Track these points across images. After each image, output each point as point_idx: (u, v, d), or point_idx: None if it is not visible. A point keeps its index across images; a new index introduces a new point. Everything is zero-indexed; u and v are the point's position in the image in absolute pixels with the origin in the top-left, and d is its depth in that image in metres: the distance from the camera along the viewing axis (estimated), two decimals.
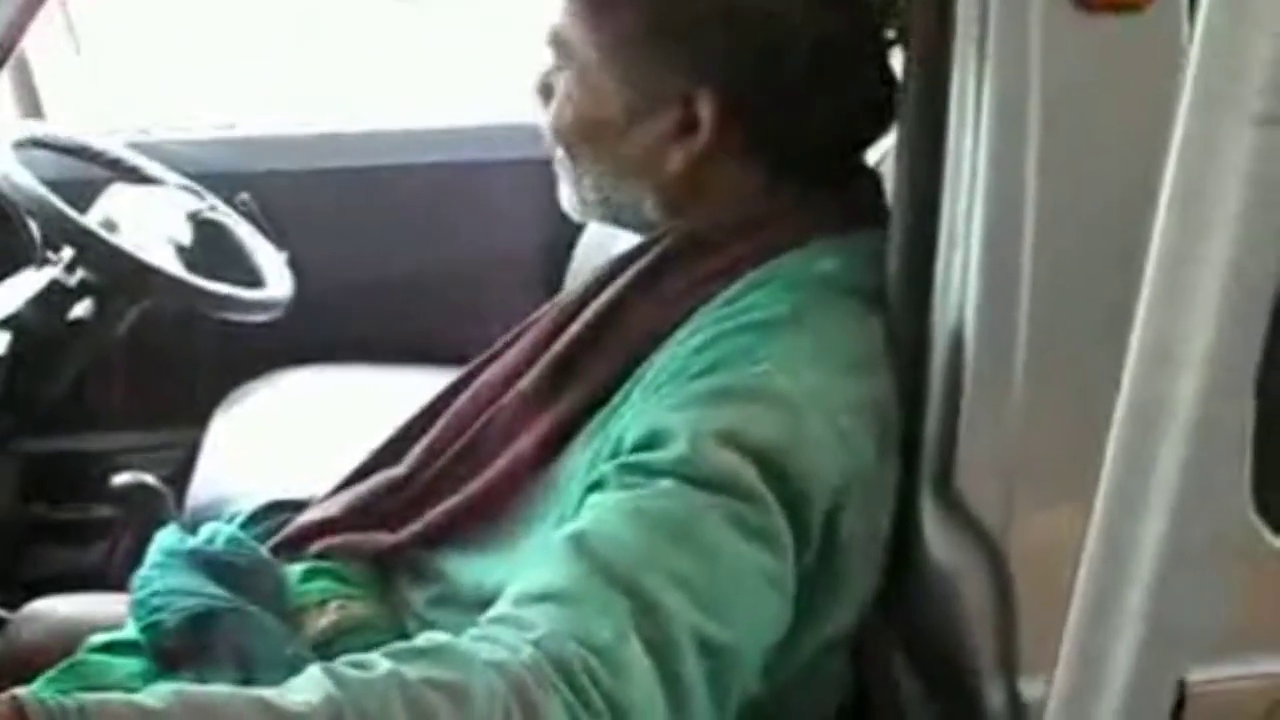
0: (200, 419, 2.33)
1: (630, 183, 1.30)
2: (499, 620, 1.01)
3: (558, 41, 1.31)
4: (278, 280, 2.16)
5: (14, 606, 1.64)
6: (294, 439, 2.18)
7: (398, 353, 2.39)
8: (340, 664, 0.94)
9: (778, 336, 1.16)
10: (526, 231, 2.29)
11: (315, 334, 2.45)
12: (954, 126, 1.09)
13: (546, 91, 1.34)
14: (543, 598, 1.02)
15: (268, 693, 0.90)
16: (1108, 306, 0.95)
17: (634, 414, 1.17)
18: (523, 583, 1.05)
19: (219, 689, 0.93)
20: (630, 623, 0.99)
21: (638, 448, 1.12)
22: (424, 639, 1.00)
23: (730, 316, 1.19)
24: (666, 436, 1.10)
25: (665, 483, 1.07)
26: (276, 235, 2.31)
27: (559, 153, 1.34)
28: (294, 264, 2.28)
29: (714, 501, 1.06)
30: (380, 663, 0.93)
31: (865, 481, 1.13)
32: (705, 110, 1.24)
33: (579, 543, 1.05)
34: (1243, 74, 0.58)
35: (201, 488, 2.08)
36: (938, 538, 1.15)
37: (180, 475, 2.18)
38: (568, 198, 1.36)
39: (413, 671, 0.92)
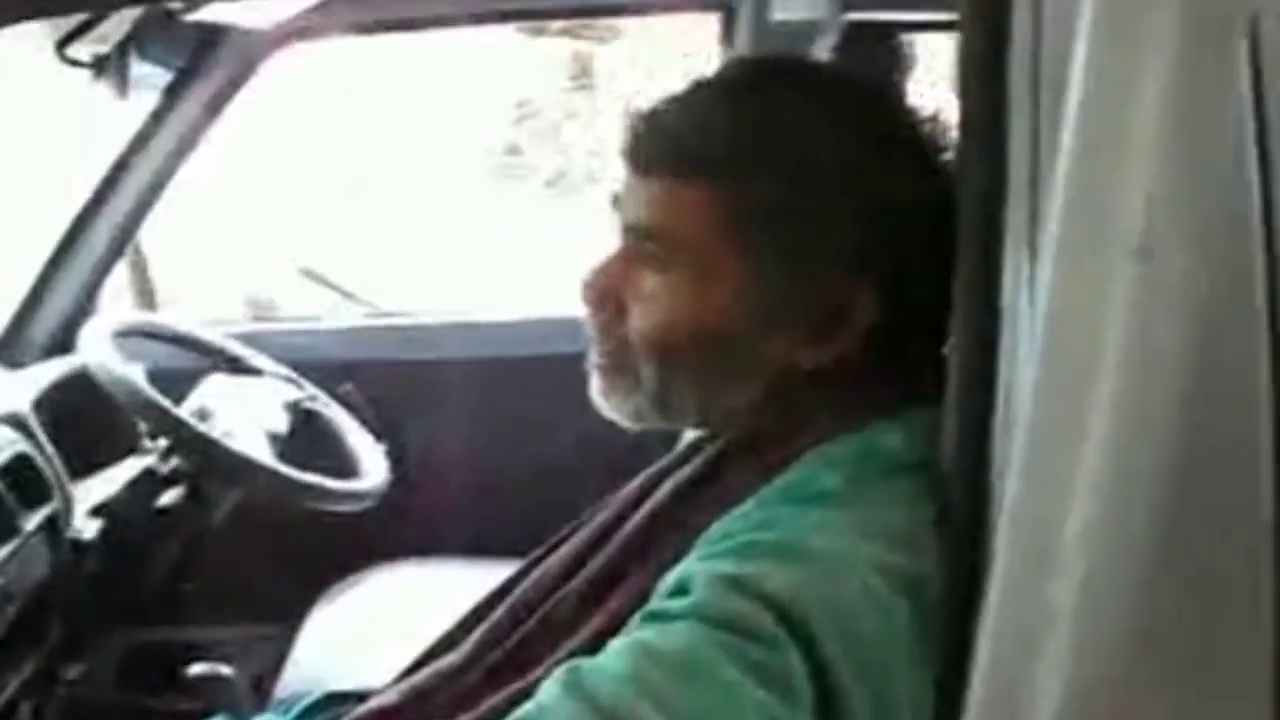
0: (301, 611, 2.31)
1: (746, 388, 1.20)
2: None
3: (657, 234, 1.18)
4: (372, 471, 2.14)
5: None
6: (389, 637, 2.12)
7: (504, 547, 2.34)
8: None
9: (823, 507, 1.10)
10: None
11: (421, 527, 2.43)
12: (1008, 302, 1.02)
13: (608, 295, 1.23)
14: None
15: None
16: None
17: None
18: (516, 712, 1.04)
19: None
20: None
21: (663, 598, 1.08)
22: None
23: (780, 489, 1.14)
24: (688, 584, 1.05)
25: (677, 624, 1.03)
26: (380, 426, 2.30)
27: (629, 365, 1.21)
28: (398, 456, 2.26)
29: (726, 640, 1.00)
30: None
31: (904, 658, 1.05)
32: (862, 308, 1.16)
33: (570, 671, 1.03)
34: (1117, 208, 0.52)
35: (289, 682, 2.05)
36: None
37: (274, 669, 2.15)
38: (622, 409, 1.24)
39: None
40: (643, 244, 1.20)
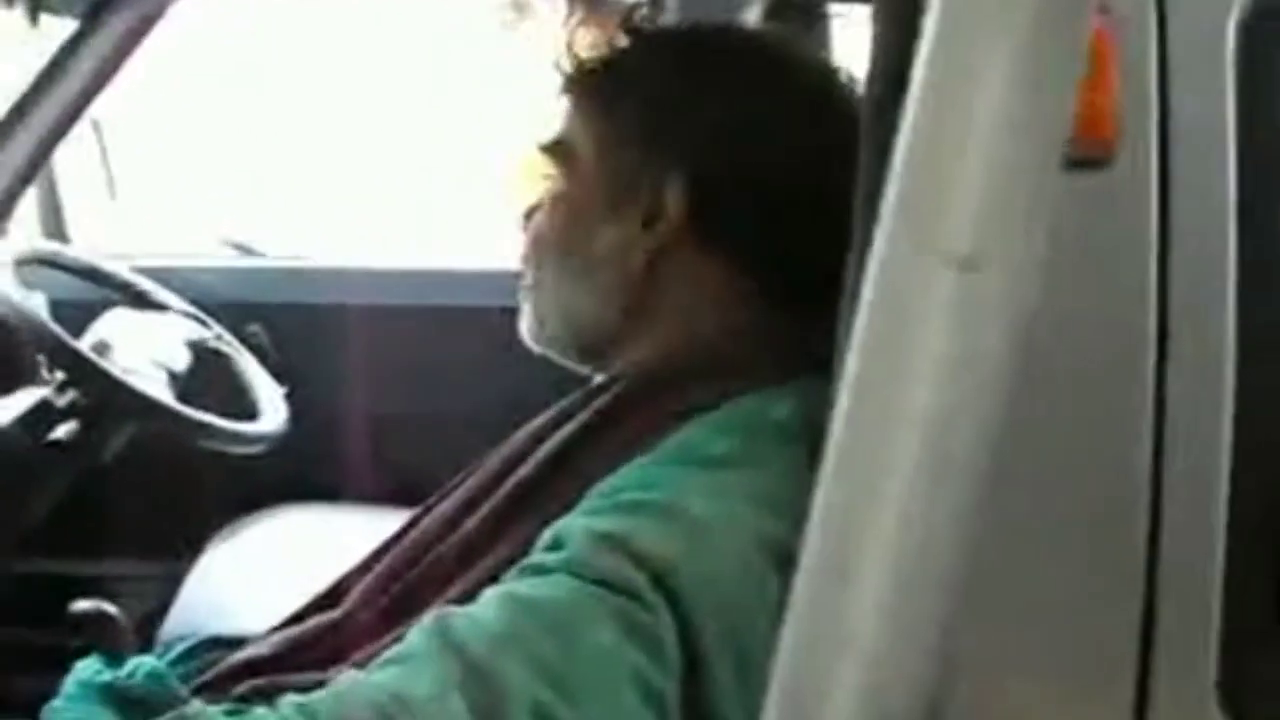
0: (194, 551, 2.29)
1: (593, 287, 1.27)
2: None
3: (560, 147, 1.31)
4: (271, 414, 2.12)
5: None
6: (279, 579, 2.11)
7: (403, 494, 2.33)
8: None
9: (711, 470, 1.12)
10: (541, 378, 2.25)
11: (320, 471, 2.42)
12: None
13: (531, 213, 1.34)
14: (385, 663, 1.03)
15: None
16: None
17: None
18: (382, 655, 1.06)
19: None
20: (456, 683, 0.98)
21: (540, 551, 1.09)
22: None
23: (669, 448, 1.15)
24: (565, 539, 1.07)
25: (550, 577, 1.05)
26: (284, 368, 2.28)
27: (528, 272, 1.32)
28: (301, 399, 2.25)
29: (597, 594, 1.03)
30: None
31: (773, 629, 1.05)
32: (671, 199, 1.23)
33: (437, 619, 1.05)
34: (943, 214, 0.51)
35: (176, 622, 2.03)
36: None
37: (163, 609, 2.13)
38: (527, 322, 1.33)
39: None
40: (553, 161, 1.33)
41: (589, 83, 1.32)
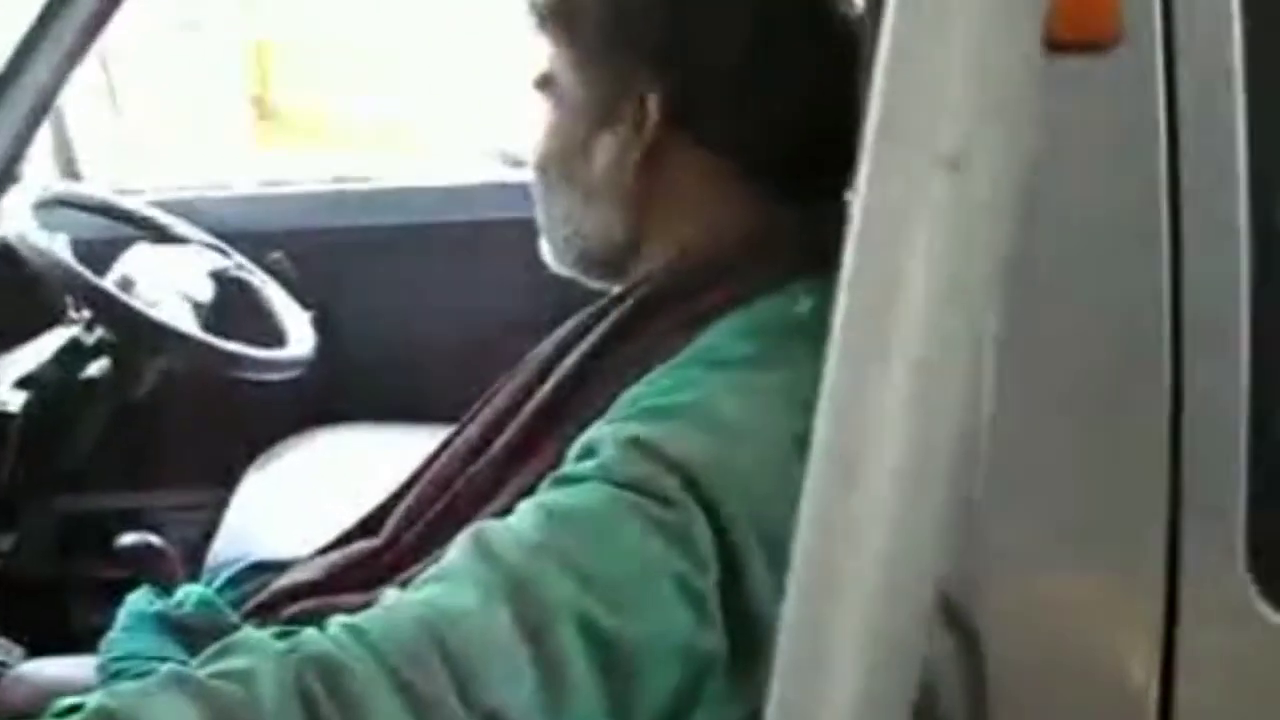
0: (233, 478, 2.32)
1: (598, 205, 1.29)
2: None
3: (545, 80, 1.32)
4: (298, 339, 2.14)
5: None
6: (321, 500, 2.14)
7: (435, 412, 2.34)
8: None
9: (738, 370, 1.13)
10: (566, 290, 2.25)
11: (351, 393, 2.44)
12: None
13: None
14: (427, 580, 1.04)
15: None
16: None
17: None
18: (423, 574, 1.07)
19: None
20: (499, 594, 0.99)
21: (571, 462, 1.11)
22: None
23: (695, 351, 1.16)
24: (596, 447, 1.09)
25: (585, 485, 1.06)
26: (308, 294, 2.29)
27: (539, 196, 1.34)
28: (328, 322, 2.26)
29: (632, 499, 1.04)
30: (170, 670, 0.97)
31: None
32: (651, 101, 1.24)
33: (475, 533, 1.06)
34: (928, 115, 0.52)
35: (222, 548, 2.06)
36: None
37: (208, 536, 2.16)
38: (545, 245, 1.35)
39: (202, 669, 0.96)
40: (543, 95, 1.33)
41: (552, 11, 1.33)
